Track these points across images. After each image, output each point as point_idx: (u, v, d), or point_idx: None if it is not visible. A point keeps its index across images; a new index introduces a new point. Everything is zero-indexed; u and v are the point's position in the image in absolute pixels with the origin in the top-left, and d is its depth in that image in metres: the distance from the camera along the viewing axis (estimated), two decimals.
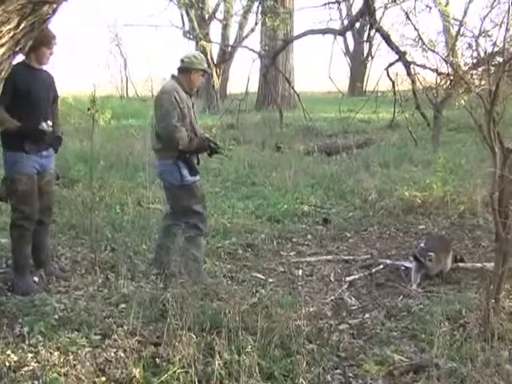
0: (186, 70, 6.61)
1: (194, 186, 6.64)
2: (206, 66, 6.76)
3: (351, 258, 7.75)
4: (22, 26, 4.05)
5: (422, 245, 7.06)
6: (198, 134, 6.63)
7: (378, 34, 17.99)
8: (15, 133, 5.95)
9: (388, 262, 7.41)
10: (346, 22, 28.61)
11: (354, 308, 6.21)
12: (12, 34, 3.99)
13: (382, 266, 7.30)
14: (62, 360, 4.47)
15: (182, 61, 6.63)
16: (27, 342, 4.70)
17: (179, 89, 6.49)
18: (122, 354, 4.64)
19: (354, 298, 6.46)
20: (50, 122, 6.20)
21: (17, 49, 4.22)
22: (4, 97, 5.71)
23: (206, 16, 27.89)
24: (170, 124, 6.31)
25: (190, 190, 6.59)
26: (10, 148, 6.06)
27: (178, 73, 6.66)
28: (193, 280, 6.20)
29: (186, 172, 6.49)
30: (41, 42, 5.88)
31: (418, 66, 15.71)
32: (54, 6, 4.18)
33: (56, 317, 5.19)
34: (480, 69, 11.40)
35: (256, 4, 27.32)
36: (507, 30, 5.79)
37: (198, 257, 6.65)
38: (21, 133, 5.97)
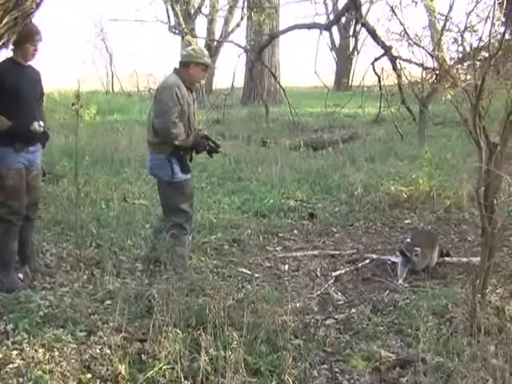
0: (185, 63, 6.58)
1: (185, 183, 6.60)
2: (206, 60, 6.64)
3: (337, 252, 7.75)
4: (5, 20, 4.01)
5: (409, 240, 7.07)
6: (194, 131, 6.61)
7: (363, 29, 17.93)
8: (5, 132, 5.90)
9: (374, 256, 7.42)
10: (331, 17, 28.64)
11: (340, 303, 6.21)
12: None
13: (368, 261, 7.30)
14: (47, 357, 4.43)
15: (183, 55, 6.67)
16: (12, 339, 4.66)
17: (181, 84, 6.45)
18: (108, 351, 4.62)
19: (340, 293, 6.46)
20: (41, 123, 6.18)
21: (0, 44, 4.17)
22: None
23: (192, 11, 27.81)
24: (169, 120, 6.28)
25: (180, 187, 6.55)
26: None
27: (179, 67, 6.64)
28: (178, 276, 6.14)
29: (177, 169, 6.46)
30: (24, 38, 5.86)
31: (403, 60, 15.70)
32: (38, 0, 4.14)
33: (41, 314, 5.15)
34: (465, 63, 11.42)
35: None
36: (493, 24, 5.79)
37: (183, 253, 6.60)
38: (11, 132, 5.93)
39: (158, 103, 6.42)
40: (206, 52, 6.77)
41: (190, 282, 6.04)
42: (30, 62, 6.24)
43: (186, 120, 6.47)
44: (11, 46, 5.95)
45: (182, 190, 6.58)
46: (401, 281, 6.64)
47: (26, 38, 5.93)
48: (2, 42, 4.19)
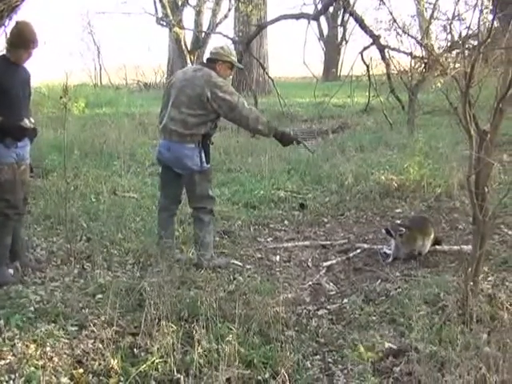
0: (212, 60, 6.67)
1: (210, 170, 6.81)
2: (233, 58, 6.73)
3: (328, 243, 7.74)
4: None
5: (399, 221, 7.10)
6: None
7: (351, 19, 17.91)
8: None
9: (365, 246, 7.41)
10: (319, 7, 28.56)
11: (332, 293, 6.21)
12: None
13: (359, 251, 7.30)
14: (38, 352, 4.42)
15: (210, 52, 6.75)
16: (3, 335, 4.63)
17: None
18: (100, 345, 4.61)
19: (331, 283, 6.45)
20: (32, 119, 6.20)
21: None
22: None
23: (179, 2, 27.73)
24: (244, 108, 6.45)
25: (207, 174, 6.72)
26: None
27: (206, 63, 6.74)
28: (206, 266, 6.43)
29: (204, 158, 6.58)
30: (20, 43, 5.95)
31: (392, 49, 15.69)
32: None
33: (32, 309, 5.15)
34: (454, 52, 11.43)
35: None
36: (481, 12, 5.78)
37: (210, 240, 6.78)
38: (2, 128, 5.91)
39: (223, 104, 6.44)
40: (233, 51, 6.87)
41: (181, 274, 6.03)
42: None
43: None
44: (5, 45, 5.97)
45: (209, 177, 6.78)
46: (390, 259, 6.79)
47: (22, 44, 5.97)
48: None
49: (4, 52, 6.09)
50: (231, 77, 6.86)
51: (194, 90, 6.46)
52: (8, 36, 5.96)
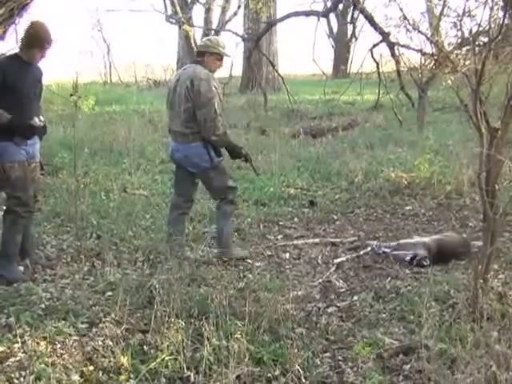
0: (200, 53, 6.74)
1: (222, 163, 6.82)
2: (221, 49, 6.75)
3: (338, 240, 7.73)
4: (1, 12, 4.00)
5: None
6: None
7: (361, 15, 17.88)
8: (5, 125, 5.89)
9: (375, 244, 7.37)
10: (329, 4, 28.51)
11: (342, 290, 6.19)
12: None
13: (369, 248, 7.28)
14: (49, 350, 4.42)
15: (198, 45, 6.89)
16: (14, 333, 4.63)
17: (212, 74, 6.63)
18: (110, 342, 4.61)
19: (341, 281, 6.44)
20: (42, 118, 6.22)
21: None
22: None
23: (189, 0, 27.74)
24: (211, 112, 6.44)
25: (220, 168, 6.76)
26: None
27: (196, 56, 6.83)
28: (225, 255, 6.71)
29: (213, 153, 6.62)
30: (34, 42, 5.98)
31: (402, 46, 15.68)
32: None
33: (42, 306, 5.16)
34: (464, 49, 11.39)
35: None
36: (492, 8, 5.76)
37: (229, 231, 6.96)
38: (11, 126, 5.92)
39: (197, 95, 6.46)
40: (221, 42, 6.85)
41: (191, 272, 6.04)
42: None
43: (221, 109, 6.62)
44: (19, 43, 5.97)
45: (223, 170, 6.82)
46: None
47: (36, 44, 5.99)
48: None
49: (16, 50, 6.11)
50: (217, 68, 6.78)
51: (181, 86, 6.58)
52: (22, 35, 5.97)
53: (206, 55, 6.68)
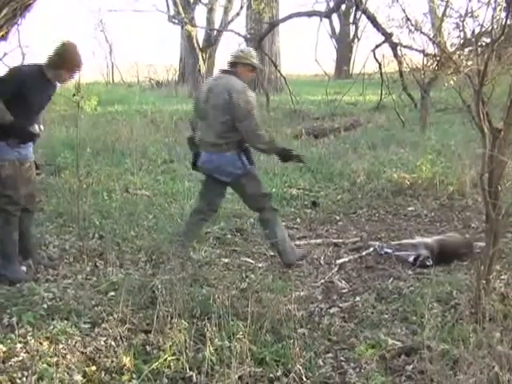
0: (232, 64, 6.69)
1: (255, 170, 6.81)
2: (254, 61, 6.74)
3: (341, 240, 7.73)
4: (4, 12, 4.00)
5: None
6: None
7: (363, 16, 17.92)
8: (4, 126, 5.89)
9: (377, 244, 7.36)
10: (331, 4, 28.54)
11: (344, 291, 6.20)
12: None
13: (371, 249, 7.28)
14: (51, 350, 4.42)
15: (230, 55, 6.76)
16: (16, 333, 4.63)
17: (247, 85, 6.60)
18: (112, 343, 4.61)
19: (344, 281, 6.44)
20: (42, 127, 6.24)
21: None
22: (3, 87, 5.78)
23: (191, 0, 27.74)
24: (252, 124, 6.41)
25: (253, 175, 6.73)
26: None
27: (228, 67, 6.75)
28: (291, 261, 6.67)
29: (245, 160, 6.58)
30: (63, 64, 5.95)
31: (404, 47, 15.69)
32: None
33: (45, 306, 5.15)
34: (467, 49, 11.37)
35: None
36: (494, 9, 5.76)
37: (283, 235, 6.86)
38: (10, 128, 5.92)
39: (236, 108, 6.41)
40: (254, 53, 6.85)
41: (194, 272, 6.05)
42: None
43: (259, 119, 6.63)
44: (47, 60, 5.94)
45: (255, 177, 6.79)
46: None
47: (65, 65, 5.98)
48: (1, 33, 4.18)
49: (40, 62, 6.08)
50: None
51: (217, 97, 6.52)
52: (52, 54, 5.93)
53: (238, 66, 6.64)
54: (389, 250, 7.10)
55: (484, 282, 5.09)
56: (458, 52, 11.11)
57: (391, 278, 6.31)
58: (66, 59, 5.91)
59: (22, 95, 5.85)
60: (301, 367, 4.36)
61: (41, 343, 4.49)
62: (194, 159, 6.86)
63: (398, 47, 15.81)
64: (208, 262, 6.68)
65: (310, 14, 20.49)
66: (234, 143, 6.52)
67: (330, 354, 4.80)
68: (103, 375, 4.28)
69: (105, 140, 13.23)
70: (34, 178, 6.52)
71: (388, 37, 15.86)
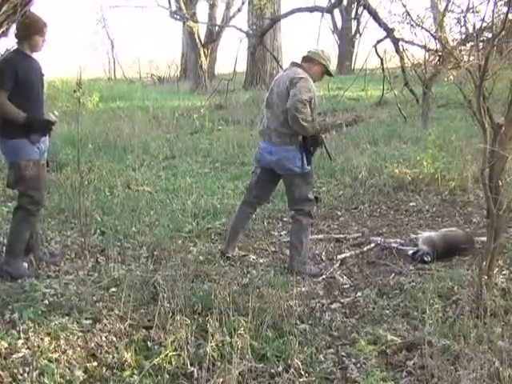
0: (310, 59, 6.64)
1: (311, 173, 6.75)
2: (329, 65, 6.76)
3: (342, 236, 7.73)
4: (4, 8, 3.99)
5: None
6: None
7: (365, 11, 17.91)
8: (22, 124, 5.90)
9: (379, 240, 7.37)
10: (333, 0, 28.49)
11: (345, 287, 6.20)
12: None
13: (373, 244, 7.28)
14: (52, 346, 4.44)
15: (309, 51, 6.71)
16: (17, 329, 4.64)
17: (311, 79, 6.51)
18: (114, 338, 4.63)
19: (345, 277, 6.44)
20: (56, 113, 6.23)
21: None
22: (6, 84, 5.79)
23: None
24: (300, 99, 6.20)
25: (308, 177, 6.66)
26: (12, 136, 5.96)
27: (302, 61, 6.68)
28: (299, 270, 6.41)
29: (305, 160, 6.50)
30: (34, 30, 5.96)
31: (406, 42, 15.69)
32: None
33: (46, 302, 5.16)
34: (468, 44, 11.38)
35: None
36: (495, 4, 5.76)
37: (307, 245, 6.73)
38: (28, 124, 5.92)
39: (292, 88, 6.33)
40: (332, 60, 6.92)
41: (196, 268, 6.05)
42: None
43: (316, 114, 6.53)
44: (17, 39, 5.97)
45: (310, 180, 6.73)
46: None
47: (36, 30, 5.99)
48: (2, 30, 4.17)
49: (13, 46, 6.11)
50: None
51: (280, 86, 6.51)
52: (19, 28, 5.95)
53: (313, 62, 6.60)
54: (394, 244, 7.10)
55: (485, 277, 5.10)
56: (459, 47, 11.11)
57: (393, 274, 6.31)
58: (34, 25, 5.93)
59: (20, 80, 5.88)
60: (301, 363, 4.38)
61: (42, 339, 4.50)
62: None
63: (400, 42, 15.80)
64: (209, 257, 6.68)
65: (311, 10, 20.48)
66: (297, 137, 6.43)
67: (331, 350, 4.81)
68: (104, 371, 4.29)
69: (106, 136, 13.22)
70: (45, 175, 6.54)
71: (390, 32, 15.85)
